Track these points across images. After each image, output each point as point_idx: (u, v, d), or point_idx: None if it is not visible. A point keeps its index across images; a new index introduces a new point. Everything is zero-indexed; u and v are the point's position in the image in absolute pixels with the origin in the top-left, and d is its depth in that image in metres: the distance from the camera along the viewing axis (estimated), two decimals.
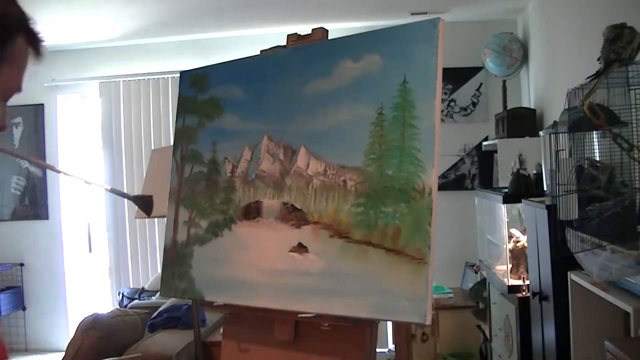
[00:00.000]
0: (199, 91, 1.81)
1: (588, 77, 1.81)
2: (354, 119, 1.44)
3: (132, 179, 4.98)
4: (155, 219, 4.66)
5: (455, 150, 4.63)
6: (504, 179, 3.56)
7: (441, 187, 4.31)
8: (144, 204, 1.98)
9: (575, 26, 3.13)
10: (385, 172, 1.37)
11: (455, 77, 4.56)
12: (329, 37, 1.61)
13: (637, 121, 1.68)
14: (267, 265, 1.55)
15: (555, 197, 2.01)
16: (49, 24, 4.20)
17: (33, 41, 0.82)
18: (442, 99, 1.36)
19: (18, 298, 5.06)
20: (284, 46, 1.68)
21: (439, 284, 4.25)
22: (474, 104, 4.63)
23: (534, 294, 2.68)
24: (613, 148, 1.77)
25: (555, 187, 2.01)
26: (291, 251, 1.50)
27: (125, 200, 4.97)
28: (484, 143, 4.40)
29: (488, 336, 3.72)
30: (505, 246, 3.23)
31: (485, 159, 4.31)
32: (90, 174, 5.22)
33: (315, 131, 1.51)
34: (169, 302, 3.28)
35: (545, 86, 3.87)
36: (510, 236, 3.23)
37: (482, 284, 3.93)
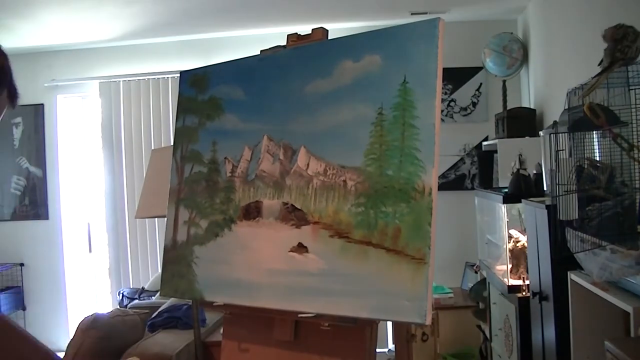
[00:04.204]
0: (199, 91, 1.81)
1: (594, 77, 1.80)
2: (354, 119, 1.44)
3: (132, 179, 4.98)
4: (155, 219, 4.66)
5: (455, 150, 4.63)
6: (504, 179, 3.56)
7: (441, 187, 4.31)
8: None
9: (575, 26, 3.13)
10: (385, 172, 1.37)
11: (455, 77, 4.56)
12: (329, 37, 1.61)
13: (637, 121, 1.68)
14: (267, 265, 1.55)
15: (555, 197, 2.00)
16: (49, 24, 4.20)
17: (12, 95, 0.90)
18: (442, 99, 1.36)
19: (18, 298, 5.06)
20: (284, 46, 1.68)
21: (439, 284, 4.25)
22: (474, 104, 4.63)
23: (534, 294, 2.67)
24: (613, 148, 1.77)
25: (555, 187, 2.01)
26: (291, 251, 1.50)
27: (125, 200, 4.97)
28: (484, 143, 4.40)
29: (488, 336, 3.72)
30: (505, 246, 3.23)
31: (485, 159, 4.31)
32: (91, 174, 5.22)
33: (316, 131, 1.52)
34: (169, 302, 3.28)
35: (545, 86, 3.87)
36: (510, 236, 3.23)
37: (482, 284, 3.93)
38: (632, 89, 1.71)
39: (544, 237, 2.47)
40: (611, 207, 1.74)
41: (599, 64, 1.81)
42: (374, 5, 4.16)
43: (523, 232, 3.12)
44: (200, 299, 1.69)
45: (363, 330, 1.46)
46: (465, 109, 4.64)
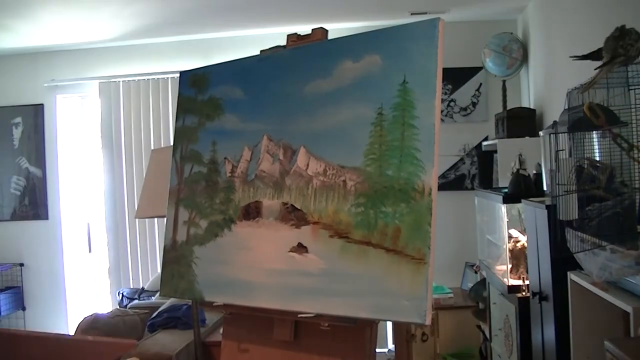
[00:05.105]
0: (199, 91, 1.81)
1: (596, 68, 1.80)
2: (353, 119, 1.44)
3: (132, 179, 4.98)
4: (155, 219, 4.66)
5: (455, 150, 4.63)
6: (504, 179, 3.56)
7: (441, 187, 4.31)
8: None
9: (575, 26, 3.13)
10: (385, 172, 1.37)
11: (455, 77, 4.56)
12: (329, 37, 1.61)
13: (637, 121, 1.68)
14: (267, 265, 1.55)
15: (555, 197, 2.00)
16: (49, 24, 4.20)
17: None
18: (442, 99, 1.36)
19: (18, 298, 5.06)
20: (284, 46, 1.68)
21: (439, 284, 4.25)
22: (474, 104, 4.63)
23: (534, 294, 2.67)
24: (613, 148, 1.77)
25: (555, 187, 2.01)
26: (291, 251, 1.50)
27: (125, 200, 4.97)
28: (484, 143, 4.40)
29: (488, 336, 3.72)
30: (505, 246, 3.23)
31: (485, 159, 4.31)
32: (90, 174, 5.22)
33: (315, 131, 1.51)
34: (169, 302, 3.28)
35: (545, 86, 3.87)
36: (510, 236, 3.23)
37: (482, 284, 3.93)
38: (632, 89, 1.71)
39: (544, 237, 2.47)
40: (611, 207, 1.74)
41: (594, 56, 1.80)
42: (374, 5, 4.16)
43: (523, 232, 3.12)
44: (200, 299, 1.69)
45: (363, 331, 1.46)
46: (465, 109, 4.64)
